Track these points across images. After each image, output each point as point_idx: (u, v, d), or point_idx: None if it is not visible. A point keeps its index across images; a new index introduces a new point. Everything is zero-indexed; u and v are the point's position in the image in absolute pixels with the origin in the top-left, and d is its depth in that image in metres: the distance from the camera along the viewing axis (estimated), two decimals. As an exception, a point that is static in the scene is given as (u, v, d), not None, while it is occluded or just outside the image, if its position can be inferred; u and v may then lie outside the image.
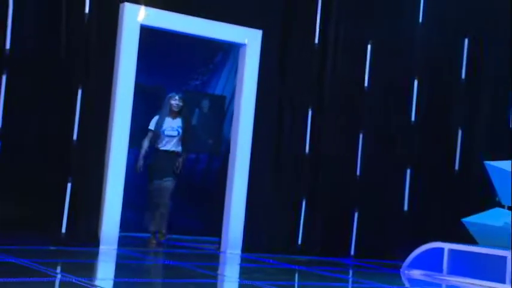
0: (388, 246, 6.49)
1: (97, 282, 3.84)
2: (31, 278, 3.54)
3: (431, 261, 5.72)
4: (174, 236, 6.81)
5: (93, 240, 5.41)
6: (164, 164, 6.26)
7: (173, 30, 5.96)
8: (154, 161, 6.33)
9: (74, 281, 3.57)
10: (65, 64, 5.42)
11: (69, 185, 5.29)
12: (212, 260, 6.05)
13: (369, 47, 6.68)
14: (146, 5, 5.61)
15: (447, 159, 7.11)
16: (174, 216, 6.63)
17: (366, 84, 6.71)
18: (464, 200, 6.70)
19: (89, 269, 4.72)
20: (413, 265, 5.78)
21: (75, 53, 5.45)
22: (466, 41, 7.03)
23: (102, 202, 5.45)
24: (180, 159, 6.33)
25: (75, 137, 5.37)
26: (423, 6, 6.79)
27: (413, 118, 6.86)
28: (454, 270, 5.59)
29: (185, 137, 6.34)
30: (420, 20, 6.84)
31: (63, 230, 5.32)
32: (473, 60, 7.12)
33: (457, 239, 5.99)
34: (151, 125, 6.26)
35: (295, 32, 6.41)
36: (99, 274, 4.71)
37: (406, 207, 6.88)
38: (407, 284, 5.53)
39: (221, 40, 6.38)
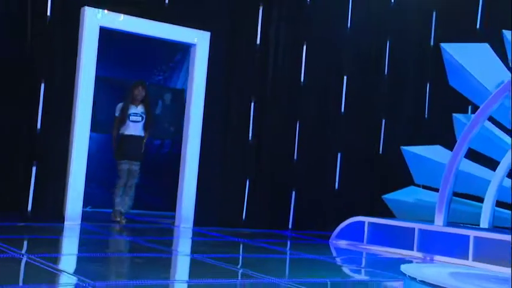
0: (322, 220, 6.65)
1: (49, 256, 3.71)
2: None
3: (355, 233, 5.87)
4: (138, 211, 6.86)
5: (58, 217, 5.45)
6: (131, 147, 6.16)
7: (130, 32, 6.01)
8: (121, 145, 6.19)
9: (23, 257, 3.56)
10: (29, 61, 5.42)
11: (34, 168, 5.32)
12: (165, 234, 6.11)
13: (305, 47, 6.76)
14: (105, 8, 5.63)
15: (372, 145, 7.27)
16: (140, 193, 6.61)
17: (302, 79, 6.79)
18: (387, 179, 6.81)
19: (47, 244, 4.58)
20: (340, 236, 5.95)
21: (39, 51, 5.49)
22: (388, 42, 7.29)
23: (66, 182, 5.51)
24: (143, 142, 6.24)
25: (39, 125, 5.40)
26: (351, 12, 6.91)
27: (343, 109, 7.06)
28: (372, 240, 5.75)
29: (148, 122, 6.21)
30: (349, 24, 6.95)
31: (30, 208, 5.35)
32: (395, 59, 7.32)
33: (380, 213, 6.25)
34: (116, 112, 6.19)
35: (239, 34, 6.50)
36: (53, 249, 4.43)
37: (337, 186, 7.06)
38: (334, 253, 5.62)
39: (173, 41, 6.41)
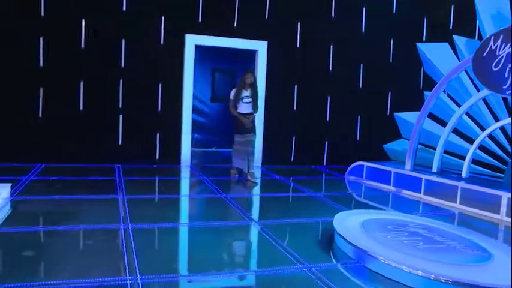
0: (346, 161, 8.27)
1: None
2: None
3: (358, 171, 7.68)
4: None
5: (175, 162, 8.15)
6: (242, 124, 6.83)
7: (214, 46, 8.17)
8: (237, 121, 6.86)
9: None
10: (153, 69, 7.88)
11: (158, 134, 8.05)
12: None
13: (331, 46, 8.73)
14: (197, 34, 7.98)
15: (384, 110, 9.14)
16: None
17: (330, 69, 8.89)
18: (389, 134, 8.17)
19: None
20: (350, 173, 7.79)
21: (158, 63, 7.87)
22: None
23: (180, 144, 8.16)
24: (254, 115, 6.91)
25: (159, 109, 7.98)
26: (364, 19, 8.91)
27: (360, 86, 9.02)
28: (368, 177, 7.47)
29: (255, 102, 6.83)
30: (363, 28, 8.81)
31: (157, 157, 8.11)
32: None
33: (382, 157, 8.03)
34: (231, 95, 6.87)
35: (285, 41, 8.42)
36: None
37: (358, 138, 9.10)
38: (347, 185, 7.27)
39: (243, 49, 8.40)
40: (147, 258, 3.63)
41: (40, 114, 7.59)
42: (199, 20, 8.11)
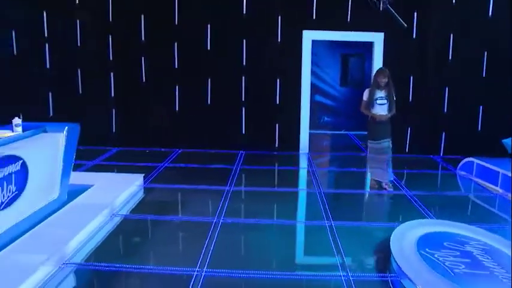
0: (466, 153, 8.04)
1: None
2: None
3: (469, 168, 7.44)
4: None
5: (294, 149, 8.87)
6: (380, 128, 6.30)
7: (332, 40, 8.68)
8: (371, 126, 6.39)
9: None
10: (273, 64, 8.65)
11: (277, 124, 8.83)
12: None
13: (452, 36, 8.39)
14: (313, 29, 8.44)
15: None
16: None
17: (449, 57, 8.49)
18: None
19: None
20: (461, 168, 7.59)
21: (278, 57, 8.59)
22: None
23: (298, 132, 8.84)
24: (389, 114, 6.33)
25: (277, 101, 8.69)
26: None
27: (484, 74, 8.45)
28: (478, 175, 7.20)
29: (390, 104, 6.26)
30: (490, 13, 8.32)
31: (276, 145, 8.92)
32: None
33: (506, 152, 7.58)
34: (364, 96, 6.34)
35: (401, 32, 8.12)
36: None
37: (479, 128, 8.64)
38: (452, 182, 7.23)
39: (361, 41, 8.80)
40: (223, 253, 4.35)
41: (176, 108, 8.86)
42: (314, 16, 8.47)
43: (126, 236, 4.94)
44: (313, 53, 10.76)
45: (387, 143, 6.30)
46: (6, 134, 4.77)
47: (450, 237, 4.51)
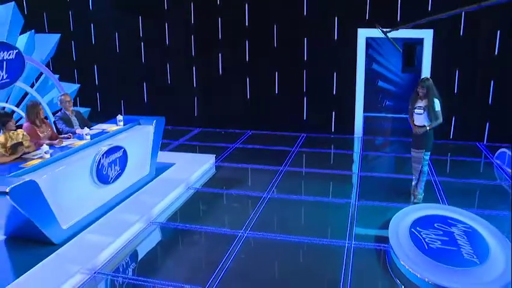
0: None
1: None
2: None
3: (503, 157, 8.03)
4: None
5: (349, 133, 10.05)
6: (415, 137, 6.32)
7: (381, 38, 9.23)
8: (413, 133, 6.35)
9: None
10: (328, 62, 9.77)
11: (333, 112, 10.22)
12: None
13: (498, 33, 8.86)
14: (367, 28, 9.33)
15: None
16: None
17: (496, 53, 9.10)
18: None
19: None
20: (497, 157, 8.23)
21: (334, 56, 9.71)
22: None
23: (353, 119, 9.99)
24: (429, 124, 6.15)
25: (334, 92, 9.90)
26: None
27: None
28: (509, 164, 7.69)
29: (429, 114, 6.10)
30: None
31: (333, 129, 10.16)
32: None
33: None
34: (410, 103, 6.33)
35: (450, 29, 8.99)
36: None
37: None
38: (484, 171, 7.89)
39: (411, 38, 9.56)
40: (263, 221, 5.88)
41: (248, 96, 10.45)
42: (367, 16, 9.46)
43: (196, 204, 6.66)
44: (377, 44, 11.70)
45: (421, 154, 6.26)
46: (113, 127, 6.63)
47: (442, 219, 5.63)
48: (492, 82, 9.24)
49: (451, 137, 9.63)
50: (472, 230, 5.40)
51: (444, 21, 8.91)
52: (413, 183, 6.50)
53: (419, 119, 6.20)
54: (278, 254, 5.21)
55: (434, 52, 9.30)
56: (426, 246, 5.02)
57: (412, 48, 11.79)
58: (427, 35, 9.36)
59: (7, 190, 4.43)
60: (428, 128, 6.14)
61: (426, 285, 4.52)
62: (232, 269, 4.83)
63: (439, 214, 5.80)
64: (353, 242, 5.41)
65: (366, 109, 10.84)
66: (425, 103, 6.12)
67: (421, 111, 6.15)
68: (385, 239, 5.34)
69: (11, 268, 4.70)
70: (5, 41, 7.70)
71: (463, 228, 5.45)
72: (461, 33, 9.19)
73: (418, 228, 5.42)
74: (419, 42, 11.55)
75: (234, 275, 4.73)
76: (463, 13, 8.98)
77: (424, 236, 5.23)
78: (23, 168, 5.04)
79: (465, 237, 5.23)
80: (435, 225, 5.51)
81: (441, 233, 5.33)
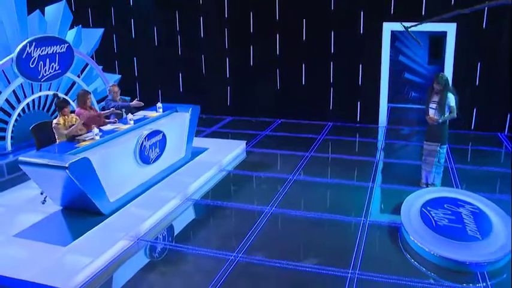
0: None
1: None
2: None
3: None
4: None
5: (374, 122, 10.47)
6: (428, 131, 6.51)
7: (403, 31, 9.89)
8: (427, 126, 6.52)
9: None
10: (354, 55, 10.22)
11: (358, 103, 10.62)
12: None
13: None
14: (393, 21, 9.71)
15: None
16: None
17: None
18: None
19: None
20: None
21: (361, 47, 10.16)
22: None
23: (378, 109, 10.43)
24: (442, 118, 6.29)
25: (360, 82, 10.38)
26: None
27: None
28: None
29: (440, 109, 6.26)
30: None
31: (358, 119, 10.67)
32: None
33: None
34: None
35: (473, 23, 9.19)
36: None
37: None
38: (496, 160, 8.18)
39: (435, 32, 10.05)
40: (287, 200, 6.50)
41: (278, 87, 11.05)
42: (392, 11, 9.87)
43: (228, 185, 7.33)
44: (404, 36, 12.05)
45: (434, 147, 6.41)
46: (153, 114, 7.36)
47: (452, 201, 6.09)
48: (514, 74, 9.44)
49: (472, 127, 9.94)
50: (479, 211, 5.85)
51: (467, 15, 9.18)
52: (423, 176, 6.68)
53: (433, 113, 6.38)
54: (298, 228, 5.81)
55: (457, 45, 9.61)
56: (434, 224, 5.52)
57: (438, 41, 12.12)
58: (450, 29, 9.68)
59: (66, 165, 5.18)
60: (440, 120, 6.29)
61: (432, 257, 5.03)
62: (258, 240, 5.46)
63: (450, 196, 6.25)
64: (368, 219, 5.94)
65: (391, 100, 11.31)
66: (438, 98, 6.30)
67: (435, 105, 6.32)
68: (398, 218, 5.83)
69: (68, 233, 5.47)
70: (56, 35, 8.53)
71: (471, 209, 5.90)
72: (483, 26, 9.45)
73: (428, 208, 5.91)
74: (443, 35, 11.93)
75: (260, 244, 5.36)
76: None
77: (433, 215, 5.73)
78: (77, 148, 5.80)
79: (471, 217, 5.69)
80: (445, 205, 5.98)
81: (449, 212, 5.81)
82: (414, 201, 6.10)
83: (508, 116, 9.71)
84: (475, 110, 9.96)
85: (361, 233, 5.61)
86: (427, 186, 6.64)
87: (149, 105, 8.07)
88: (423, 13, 9.67)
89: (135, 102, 7.31)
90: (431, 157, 6.47)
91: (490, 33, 9.42)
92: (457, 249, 5.00)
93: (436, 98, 6.28)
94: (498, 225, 5.48)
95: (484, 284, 4.58)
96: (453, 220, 5.61)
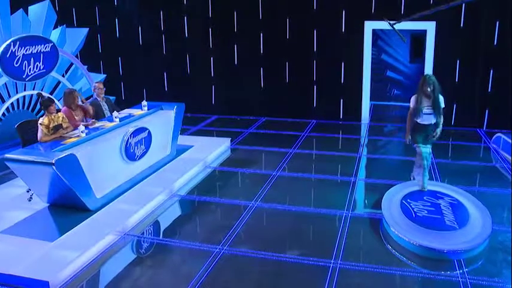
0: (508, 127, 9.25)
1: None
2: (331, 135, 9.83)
3: (498, 141, 8.65)
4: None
5: (356, 119, 10.67)
6: (423, 134, 6.19)
7: (390, 29, 10.07)
8: (416, 132, 6.21)
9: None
10: (336, 53, 10.40)
11: (341, 100, 10.68)
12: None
13: (497, 24, 9.41)
14: (375, 20, 9.91)
15: None
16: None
17: (495, 44, 9.59)
18: None
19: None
20: (493, 142, 8.84)
21: (341, 46, 10.31)
22: None
23: (360, 106, 10.64)
24: (438, 130, 6.10)
25: (342, 80, 10.49)
26: None
27: None
28: (505, 149, 8.31)
29: (435, 113, 6.02)
30: None
31: (341, 116, 10.80)
32: None
33: None
34: (412, 103, 6.12)
35: (451, 21, 9.47)
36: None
37: None
38: (477, 154, 8.45)
39: (415, 30, 10.15)
40: (274, 194, 6.64)
41: (262, 85, 11.18)
42: (373, 10, 10.08)
43: (213, 181, 7.43)
44: (386, 35, 12.26)
45: (429, 149, 6.25)
46: (138, 112, 7.43)
47: (431, 193, 6.29)
48: (491, 71, 9.72)
49: (452, 123, 10.17)
50: (457, 203, 6.05)
51: (446, 13, 9.43)
52: (424, 181, 6.27)
53: (429, 118, 6.06)
54: (282, 221, 5.94)
55: (437, 43, 9.85)
56: (414, 215, 5.69)
57: (420, 39, 12.36)
58: (429, 27, 9.91)
59: (53, 161, 5.24)
60: (440, 124, 6.08)
61: (411, 246, 5.19)
62: (243, 233, 5.58)
63: (430, 189, 6.43)
64: (350, 212, 6.09)
65: (374, 97, 11.49)
66: (431, 102, 5.99)
67: (431, 110, 6.00)
68: (379, 211, 5.99)
69: (55, 229, 5.52)
70: (41, 35, 8.53)
71: (449, 201, 6.09)
72: (461, 25, 9.71)
73: (408, 200, 6.09)
74: (424, 33, 12.18)
75: (244, 237, 5.48)
76: (463, 5, 9.50)
77: (413, 206, 5.91)
78: (63, 144, 5.85)
79: (450, 208, 5.88)
80: (424, 198, 6.17)
81: (429, 204, 6.00)
82: (395, 194, 6.28)
83: (487, 112, 9.89)
84: (454, 107, 10.17)
85: (343, 225, 5.75)
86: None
87: (133, 105, 8.14)
88: (402, 12, 9.86)
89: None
90: (424, 160, 6.21)
91: (468, 31, 9.70)
92: (435, 238, 5.18)
93: (429, 102, 5.98)
94: (475, 216, 5.66)
95: (461, 271, 4.74)
96: (432, 211, 5.79)
